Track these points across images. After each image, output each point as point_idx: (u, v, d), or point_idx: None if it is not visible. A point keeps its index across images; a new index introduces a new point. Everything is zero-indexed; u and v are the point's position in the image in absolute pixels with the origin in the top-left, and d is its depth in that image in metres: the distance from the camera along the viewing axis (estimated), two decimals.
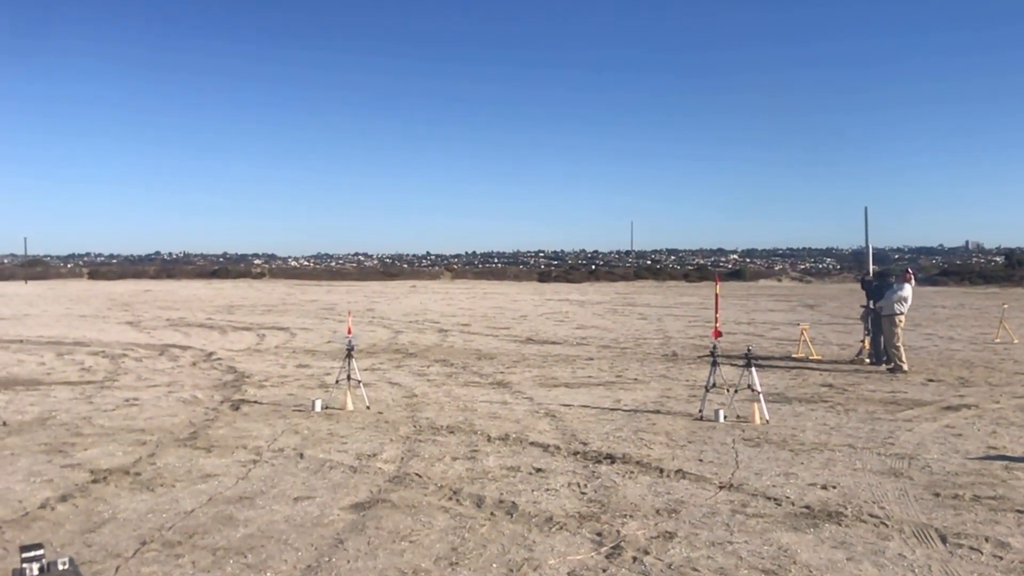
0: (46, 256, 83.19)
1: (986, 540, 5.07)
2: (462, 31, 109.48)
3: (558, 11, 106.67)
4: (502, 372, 13.01)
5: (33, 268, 70.63)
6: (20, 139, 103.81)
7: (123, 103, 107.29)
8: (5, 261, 78.42)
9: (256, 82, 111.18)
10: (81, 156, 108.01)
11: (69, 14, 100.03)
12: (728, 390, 9.59)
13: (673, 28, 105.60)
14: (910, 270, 14.08)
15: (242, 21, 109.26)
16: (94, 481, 6.50)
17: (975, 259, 73.53)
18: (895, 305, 13.20)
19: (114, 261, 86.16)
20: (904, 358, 13.02)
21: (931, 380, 12.05)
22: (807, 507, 5.79)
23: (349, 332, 10.75)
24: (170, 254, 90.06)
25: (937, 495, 6.08)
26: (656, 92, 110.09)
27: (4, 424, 8.82)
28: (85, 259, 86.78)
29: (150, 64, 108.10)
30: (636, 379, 12.26)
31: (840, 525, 5.39)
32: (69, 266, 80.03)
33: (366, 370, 12.48)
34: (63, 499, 6.00)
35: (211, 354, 15.54)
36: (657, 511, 5.70)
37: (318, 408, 9.57)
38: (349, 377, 9.87)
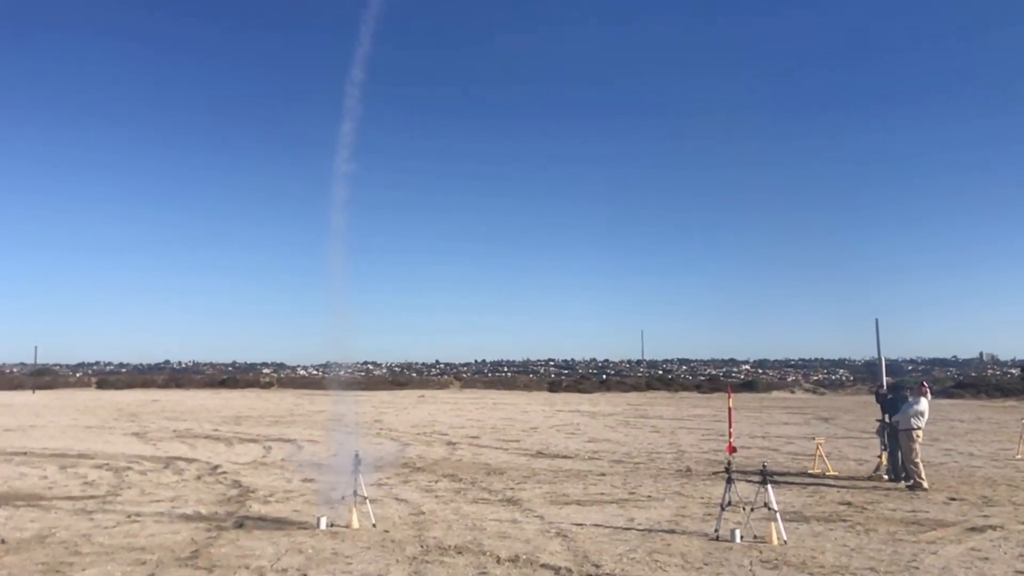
0: (56, 365, 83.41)
1: None
2: (469, 145, 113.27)
3: (563, 131, 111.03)
4: (512, 488, 12.74)
5: (42, 377, 70.71)
6: (31, 254, 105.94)
7: (130, 213, 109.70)
8: (15, 370, 78.67)
9: (263, 192, 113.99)
10: (91, 266, 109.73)
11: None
12: (744, 508, 9.35)
13: (682, 143, 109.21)
14: (925, 383, 13.96)
15: (241, 131, 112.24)
16: None
17: (990, 371, 72.73)
18: (912, 419, 13.00)
19: (123, 370, 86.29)
20: (923, 475, 12.71)
21: (953, 499, 11.70)
22: None
23: None
24: (179, 363, 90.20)
25: None
26: (666, 204, 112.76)
27: (3, 542, 8.64)
28: (94, 368, 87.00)
29: (158, 174, 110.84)
30: (650, 496, 11.97)
31: None
32: (78, 375, 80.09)
33: (372, 485, 12.24)
34: None
35: (216, 467, 15.33)
36: None
37: (323, 526, 9.36)
38: (355, 493, 9.69)
